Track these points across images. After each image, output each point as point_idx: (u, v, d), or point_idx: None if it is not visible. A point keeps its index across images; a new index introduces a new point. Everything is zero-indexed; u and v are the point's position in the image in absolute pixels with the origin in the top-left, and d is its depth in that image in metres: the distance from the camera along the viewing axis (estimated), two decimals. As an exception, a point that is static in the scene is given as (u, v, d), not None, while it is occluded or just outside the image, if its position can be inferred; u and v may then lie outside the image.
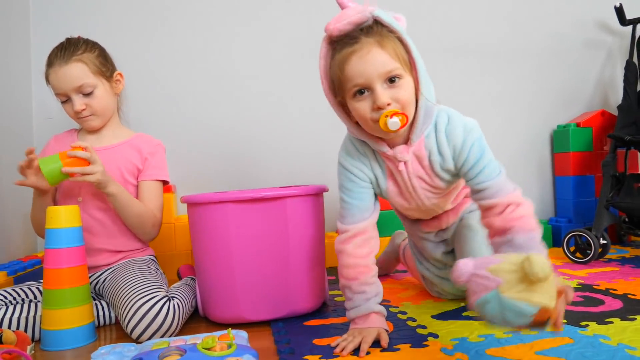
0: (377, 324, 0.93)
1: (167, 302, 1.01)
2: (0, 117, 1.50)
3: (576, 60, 2.03)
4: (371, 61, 0.84)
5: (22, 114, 1.63)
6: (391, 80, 0.85)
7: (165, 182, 1.29)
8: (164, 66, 1.77)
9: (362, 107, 0.87)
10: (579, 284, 1.28)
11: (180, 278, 1.37)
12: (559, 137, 1.97)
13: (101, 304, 1.15)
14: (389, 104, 0.85)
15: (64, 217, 1.01)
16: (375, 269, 0.99)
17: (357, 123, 0.94)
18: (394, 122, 0.84)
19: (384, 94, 0.84)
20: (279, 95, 1.83)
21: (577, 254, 1.57)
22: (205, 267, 1.11)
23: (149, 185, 1.25)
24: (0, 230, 1.46)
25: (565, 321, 0.97)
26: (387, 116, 0.84)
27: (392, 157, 0.94)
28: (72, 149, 1.09)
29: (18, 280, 1.28)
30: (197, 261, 1.13)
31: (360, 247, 0.97)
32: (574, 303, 1.10)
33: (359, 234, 0.97)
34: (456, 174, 0.97)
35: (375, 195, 1.03)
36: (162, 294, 1.03)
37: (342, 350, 0.86)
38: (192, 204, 1.11)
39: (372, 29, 0.86)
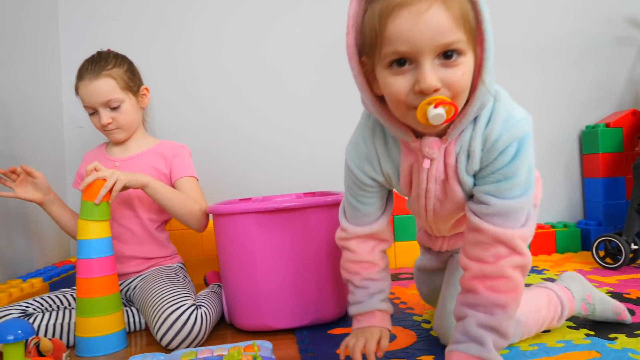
0: (381, 324, 0.85)
1: (195, 311, 1.03)
2: (33, 127, 1.56)
3: (605, 57, 1.98)
4: (427, 24, 0.60)
5: (54, 123, 1.68)
6: (447, 55, 0.62)
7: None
8: (185, 72, 1.81)
9: (398, 84, 0.64)
10: (608, 292, 1.25)
11: (207, 285, 1.40)
12: (587, 138, 1.93)
13: (132, 310, 1.19)
14: (436, 90, 0.62)
15: (93, 228, 1.04)
16: (384, 264, 0.88)
17: (380, 97, 0.71)
18: (438, 115, 0.62)
19: (433, 73, 0.62)
20: (300, 100, 1.85)
21: (607, 260, 1.54)
22: (230, 275, 1.13)
23: (183, 182, 1.27)
24: (36, 236, 1.53)
25: (592, 333, 0.96)
26: (429, 104, 0.62)
27: (417, 149, 0.73)
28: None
29: (53, 286, 1.33)
30: (222, 269, 1.16)
31: (364, 243, 0.86)
32: (603, 313, 1.08)
33: (361, 238, 0.86)
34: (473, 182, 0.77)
35: (389, 193, 0.87)
36: (190, 302, 1.05)
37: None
38: (217, 215, 1.14)
39: None
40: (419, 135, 0.73)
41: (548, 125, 1.97)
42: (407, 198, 0.87)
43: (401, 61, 0.64)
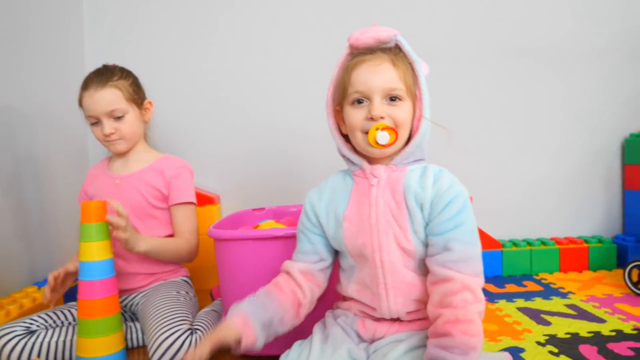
0: (242, 326, 0.83)
1: (190, 336, 1.03)
2: (57, 135, 1.61)
3: (656, 59, 1.82)
4: (379, 74, 0.84)
5: (78, 131, 1.72)
6: (392, 98, 0.85)
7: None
8: (204, 77, 1.80)
9: (356, 114, 0.86)
10: (634, 329, 1.16)
11: (212, 299, 1.40)
12: (631, 147, 1.79)
13: (135, 326, 1.21)
14: (382, 118, 0.83)
15: (94, 250, 1.05)
16: (290, 299, 0.90)
17: (345, 136, 0.92)
18: (383, 136, 0.83)
19: (380, 107, 0.84)
20: (314, 108, 1.79)
21: (641, 286, 1.43)
22: (230, 297, 1.12)
23: (179, 209, 1.28)
24: (55, 239, 1.57)
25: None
26: (377, 129, 0.83)
27: (368, 174, 0.88)
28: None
29: (68, 294, 1.36)
30: (222, 291, 1.15)
31: (287, 277, 0.93)
32: (620, 358, 1.00)
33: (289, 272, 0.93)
34: (426, 224, 0.83)
35: (331, 255, 0.95)
36: (185, 326, 1.05)
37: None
38: (216, 239, 1.12)
39: (391, 50, 0.87)
40: (371, 163, 0.90)
41: (588, 131, 1.85)
42: (350, 239, 0.88)
43: (360, 100, 0.86)
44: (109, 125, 1.23)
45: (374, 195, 0.87)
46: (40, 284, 1.42)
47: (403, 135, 0.86)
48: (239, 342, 0.83)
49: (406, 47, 0.88)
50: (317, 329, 0.92)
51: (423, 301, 0.84)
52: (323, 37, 1.77)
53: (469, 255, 0.79)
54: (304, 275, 0.93)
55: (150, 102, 1.32)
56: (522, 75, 1.82)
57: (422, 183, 0.85)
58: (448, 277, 0.78)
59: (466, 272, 0.78)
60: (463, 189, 0.84)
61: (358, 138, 0.86)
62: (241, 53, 1.80)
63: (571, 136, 1.84)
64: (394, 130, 0.83)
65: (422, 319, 0.86)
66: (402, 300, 0.85)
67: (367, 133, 0.84)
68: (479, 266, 0.79)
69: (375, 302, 0.87)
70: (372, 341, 0.88)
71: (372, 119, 0.83)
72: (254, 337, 0.84)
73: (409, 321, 0.86)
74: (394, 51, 0.87)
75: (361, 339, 0.89)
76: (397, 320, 0.87)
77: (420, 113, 0.87)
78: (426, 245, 0.83)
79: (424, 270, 0.85)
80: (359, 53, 0.88)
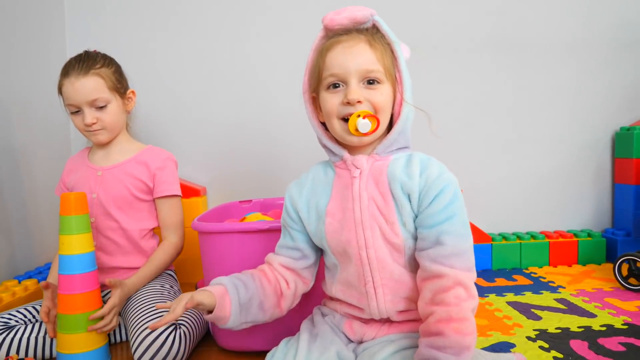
0: (212, 294, 0.82)
1: (174, 332, 1.00)
2: (38, 125, 1.56)
3: (646, 53, 1.81)
4: (354, 55, 0.79)
5: (59, 121, 1.66)
6: (369, 81, 0.79)
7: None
8: (190, 66, 1.76)
9: (332, 99, 0.80)
10: (624, 324, 1.15)
11: (199, 293, 1.37)
12: (621, 141, 1.78)
13: (119, 321, 1.17)
14: (359, 102, 0.78)
15: (76, 243, 1.01)
16: (272, 283, 0.88)
17: (323, 124, 0.87)
18: (365, 124, 0.77)
19: (357, 90, 0.78)
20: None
21: (631, 280, 1.42)
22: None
23: (164, 202, 1.25)
24: (36, 232, 1.53)
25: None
26: (358, 116, 0.78)
27: (349, 164, 0.83)
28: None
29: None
30: (206, 284, 1.12)
31: (270, 268, 0.91)
32: (611, 353, 0.99)
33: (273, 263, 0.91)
34: (415, 216, 0.79)
35: (314, 253, 0.91)
36: (169, 322, 1.02)
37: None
38: (200, 232, 1.09)
39: (368, 30, 0.82)
40: (352, 153, 0.85)
41: (578, 125, 1.83)
42: (333, 235, 0.84)
43: (336, 84, 0.81)
44: (90, 115, 1.18)
45: (357, 187, 0.82)
46: (21, 277, 1.38)
47: (384, 121, 0.81)
48: (211, 310, 0.82)
49: (384, 27, 0.82)
50: (304, 326, 0.89)
51: (413, 299, 0.81)
52: (311, 27, 1.73)
53: (462, 249, 0.75)
54: (286, 269, 0.91)
55: (133, 92, 1.27)
56: (511, 68, 1.80)
57: (408, 172, 0.80)
58: (440, 273, 0.74)
59: (459, 267, 0.74)
60: (453, 178, 0.79)
61: (335, 125, 0.81)
62: (228, 42, 1.76)
63: (561, 130, 1.83)
64: (374, 117, 0.78)
65: (414, 320, 0.82)
66: (391, 297, 0.81)
67: (344, 120, 0.80)
68: (471, 260, 0.76)
69: (364, 302, 0.83)
70: (361, 342, 0.85)
71: (348, 103, 0.78)
72: (228, 311, 0.83)
73: (400, 322, 0.83)
74: (371, 32, 0.82)
75: (349, 340, 0.86)
76: (387, 321, 0.84)
77: (402, 97, 0.81)
78: (415, 238, 0.80)
79: (414, 265, 0.81)
80: (333, 34, 0.83)
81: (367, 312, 0.83)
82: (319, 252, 0.93)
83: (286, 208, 0.91)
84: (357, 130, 0.78)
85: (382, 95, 0.79)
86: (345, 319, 0.88)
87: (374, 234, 0.80)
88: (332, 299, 0.92)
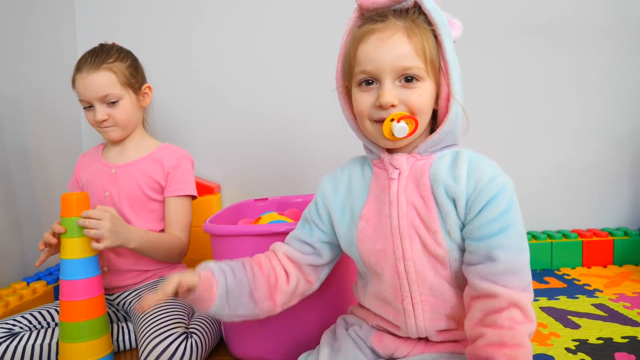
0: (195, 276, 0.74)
1: (185, 341, 0.94)
2: (49, 121, 1.52)
3: (690, 36, 1.68)
4: (389, 48, 0.68)
5: (71, 118, 1.64)
6: (408, 79, 0.69)
7: (193, 197, 1.22)
8: (205, 60, 1.70)
9: (364, 99, 0.71)
10: (672, 333, 1.05)
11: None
12: (661, 132, 1.66)
13: (128, 327, 1.12)
14: (393, 106, 0.68)
15: (79, 247, 0.96)
16: (266, 274, 0.80)
17: None
18: (401, 128, 0.68)
19: (391, 92, 0.68)
20: (321, 95, 1.69)
21: (674, 283, 1.32)
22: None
23: (174, 202, 1.19)
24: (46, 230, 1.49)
25: None
26: (392, 120, 0.68)
27: (387, 164, 0.75)
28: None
29: (58, 289, 1.28)
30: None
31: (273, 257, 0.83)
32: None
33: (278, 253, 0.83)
34: (462, 224, 0.69)
35: (334, 254, 0.84)
36: (180, 329, 0.96)
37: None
38: (212, 234, 1.03)
39: (408, 13, 0.70)
40: (391, 152, 0.76)
41: (614, 115, 1.71)
42: (367, 243, 0.75)
43: (369, 81, 0.71)
44: (101, 111, 1.14)
45: (395, 190, 0.72)
46: (31, 279, 1.34)
47: (423, 123, 0.71)
48: (192, 289, 0.73)
49: (427, 4, 0.70)
50: (325, 340, 0.81)
51: (456, 318, 0.72)
52: (331, 19, 1.65)
53: (517, 266, 0.65)
54: (290, 262, 0.82)
55: (149, 87, 1.23)
56: (541, 54, 1.68)
57: (453, 173, 0.69)
58: (492, 293, 0.64)
59: (513, 286, 0.64)
60: (508, 181, 0.69)
61: (368, 127, 0.73)
62: (246, 34, 1.69)
63: (595, 120, 1.71)
64: (413, 119, 0.69)
65: (455, 341, 0.73)
66: (431, 315, 0.72)
67: (377, 122, 0.71)
68: (527, 278, 0.66)
69: (400, 320, 0.74)
70: (391, 359, 0.76)
71: (380, 106, 0.69)
72: (214, 293, 0.75)
73: (439, 342, 0.74)
74: (411, 16, 0.70)
75: (377, 355, 0.77)
76: (425, 339, 0.75)
77: (449, 91, 0.70)
78: (462, 249, 0.70)
79: (460, 279, 0.71)
80: (369, 17, 0.72)
81: (403, 330, 0.74)
82: (333, 257, 0.84)
83: (316, 203, 0.83)
84: (392, 135, 0.69)
85: (420, 95, 0.69)
86: (375, 330, 0.79)
87: (413, 244, 0.71)
88: (362, 306, 0.83)
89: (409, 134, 0.69)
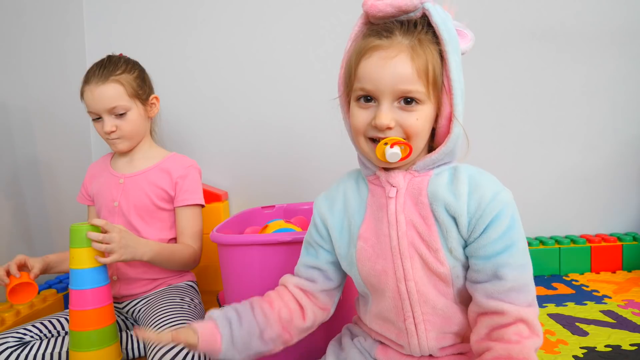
0: (196, 330, 0.73)
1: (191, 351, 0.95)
2: (58, 131, 1.53)
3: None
4: (391, 69, 0.66)
5: (80, 127, 1.66)
6: (406, 101, 0.67)
7: (201, 206, 1.23)
8: (211, 68, 1.71)
9: (360, 115, 0.70)
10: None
11: (219, 304, 1.32)
12: (669, 136, 1.65)
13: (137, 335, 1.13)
14: (389, 128, 0.67)
15: (87, 257, 0.97)
16: (277, 312, 0.78)
17: None
18: (394, 154, 0.67)
19: (388, 114, 0.67)
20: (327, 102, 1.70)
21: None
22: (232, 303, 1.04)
23: (184, 212, 1.20)
24: (58, 239, 1.50)
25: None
26: (386, 144, 0.67)
27: (383, 181, 0.73)
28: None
29: (67, 298, 1.30)
30: (226, 298, 1.07)
31: (284, 292, 0.81)
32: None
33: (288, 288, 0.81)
34: (464, 243, 0.69)
35: (340, 276, 0.82)
36: (188, 338, 0.97)
37: None
38: (219, 244, 1.04)
39: (415, 28, 0.68)
40: (387, 169, 0.74)
41: (622, 120, 1.71)
42: (366, 263, 0.74)
43: (368, 98, 0.69)
44: (109, 123, 1.15)
45: (393, 210, 0.71)
46: (41, 287, 1.35)
47: (418, 147, 0.70)
48: (195, 345, 0.72)
49: (436, 17, 0.67)
50: (331, 350, 0.81)
51: (461, 334, 0.72)
52: (338, 29, 1.66)
53: (523, 282, 0.65)
54: (303, 293, 0.81)
55: (156, 97, 1.24)
56: (550, 60, 1.68)
57: (453, 190, 0.68)
58: (499, 310, 0.64)
59: (519, 302, 0.64)
60: (509, 196, 0.68)
61: (362, 144, 0.71)
62: (251, 44, 1.70)
63: (604, 125, 1.71)
64: (406, 144, 0.67)
65: (459, 354, 0.73)
66: (435, 334, 0.72)
67: (372, 139, 0.70)
68: (532, 293, 0.66)
69: (403, 339, 0.73)
70: None
71: (376, 127, 0.68)
72: (217, 347, 0.74)
73: (444, 356, 0.73)
74: (417, 31, 0.67)
75: None
76: (429, 356, 0.74)
77: (451, 111, 0.68)
78: (465, 266, 0.69)
79: (464, 296, 0.71)
80: (375, 30, 0.69)
81: (406, 349, 0.74)
82: (344, 278, 0.83)
83: (315, 224, 0.81)
84: (384, 159, 0.68)
85: (417, 119, 0.67)
86: (378, 343, 0.79)
87: (414, 263, 0.70)
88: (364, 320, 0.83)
89: (402, 159, 0.68)
